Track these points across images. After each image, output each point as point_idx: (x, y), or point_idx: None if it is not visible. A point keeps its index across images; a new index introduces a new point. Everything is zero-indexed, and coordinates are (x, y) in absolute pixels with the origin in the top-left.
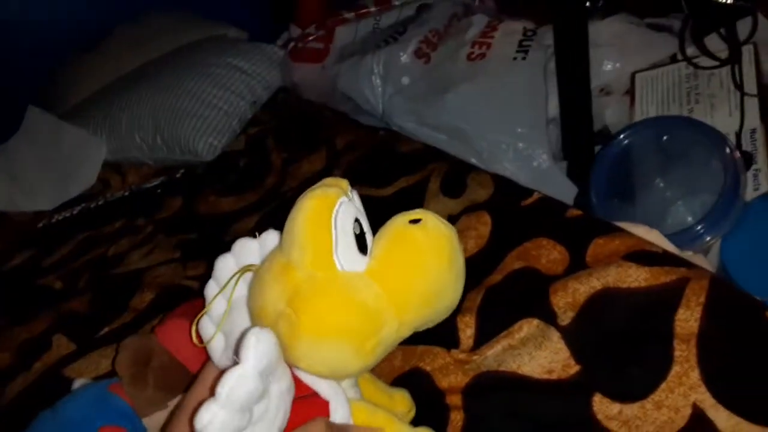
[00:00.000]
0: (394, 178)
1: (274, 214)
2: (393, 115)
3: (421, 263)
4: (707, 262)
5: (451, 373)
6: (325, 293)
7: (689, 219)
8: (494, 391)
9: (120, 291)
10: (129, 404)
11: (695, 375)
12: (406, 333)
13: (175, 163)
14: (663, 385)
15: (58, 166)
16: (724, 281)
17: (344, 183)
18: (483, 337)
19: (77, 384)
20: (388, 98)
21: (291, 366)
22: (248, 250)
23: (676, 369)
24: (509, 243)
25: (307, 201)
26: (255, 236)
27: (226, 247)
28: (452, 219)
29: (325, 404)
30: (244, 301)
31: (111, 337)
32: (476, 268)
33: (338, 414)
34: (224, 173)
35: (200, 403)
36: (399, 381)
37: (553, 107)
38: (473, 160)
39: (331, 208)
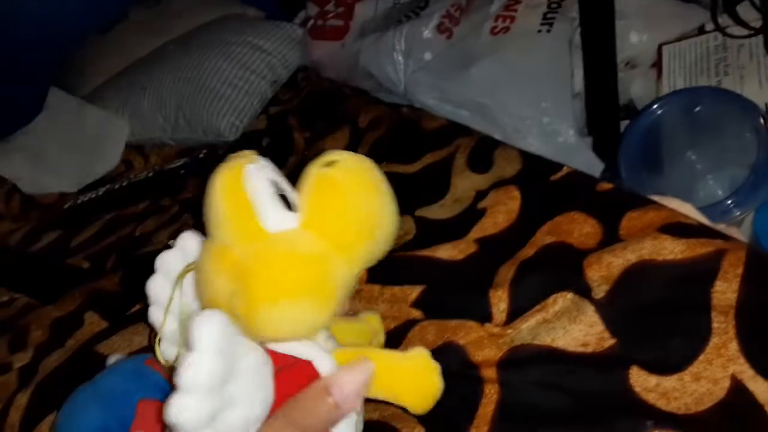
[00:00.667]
0: (419, 154)
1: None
2: (415, 91)
3: (348, 199)
4: (741, 235)
5: (485, 346)
6: (267, 258)
7: (719, 193)
8: (529, 363)
9: (149, 269)
10: (165, 378)
11: (734, 346)
12: (360, 268)
13: (197, 143)
14: (701, 357)
15: (81, 147)
16: (761, 252)
17: (250, 154)
18: (516, 312)
19: (112, 360)
20: (411, 74)
21: (260, 341)
22: (170, 262)
23: (714, 341)
24: (540, 217)
25: (214, 179)
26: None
27: None
28: (480, 194)
29: (308, 365)
30: (189, 309)
31: (142, 315)
32: (507, 242)
33: (324, 368)
34: None
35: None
36: (432, 354)
37: (579, 81)
38: (497, 136)
39: (239, 177)
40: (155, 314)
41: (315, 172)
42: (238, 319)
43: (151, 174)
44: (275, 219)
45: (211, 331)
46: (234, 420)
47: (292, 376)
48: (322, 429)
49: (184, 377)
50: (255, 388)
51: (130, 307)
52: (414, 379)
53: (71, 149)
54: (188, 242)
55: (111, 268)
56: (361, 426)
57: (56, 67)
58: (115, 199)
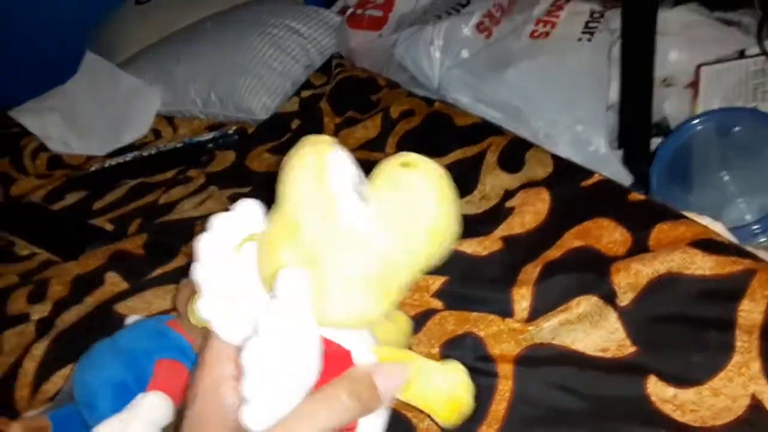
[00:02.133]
0: (450, 148)
1: None
2: (449, 88)
3: (422, 204)
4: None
5: (504, 341)
6: (341, 247)
7: (748, 217)
8: (546, 364)
9: (173, 236)
10: (187, 340)
11: (756, 366)
12: (418, 274)
13: (227, 119)
14: (722, 374)
15: (112, 112)
16: None
17: (327, 139)
18: (538, 310)
19: (130, 320)
20: (446, 71)
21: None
22: (226, 224)
23: (736, 359)
24: (568, 221)
25: (297, 159)
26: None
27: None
28: (509, 194)
29: (347, 354)
30: (241, 275)
31: (164, 279)
32: (533, 243)
33: (362, 359)
34: (276, 133)
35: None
36: (450, 344)
37: (614, 93)
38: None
39: (324, 163)
40: (200, 272)
41: (393, 171)
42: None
43: (179, 145)
44: (351, 211)
45: (299, 291)
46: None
47: (330, 361)
48: (354, 414)
49: (269, 328)
50: (314, 359)
51: (151, 271)
52: (448, 392)
53: (102, 114)
54: (249, 209)
55: (134, 233)
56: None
57: (94, 30)
58: (142, 167)
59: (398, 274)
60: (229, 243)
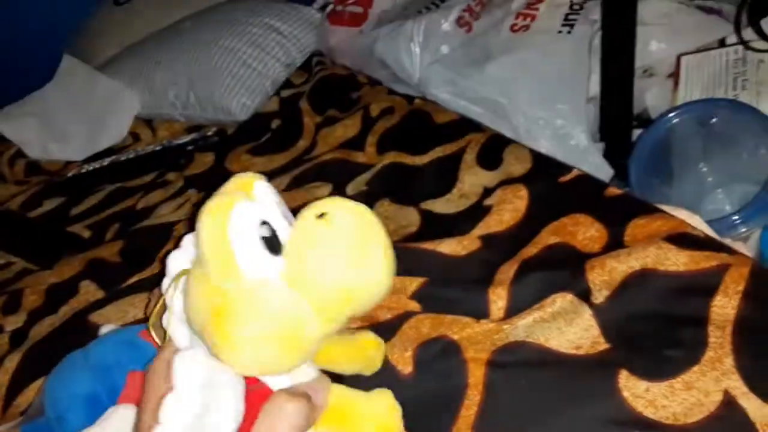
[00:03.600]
0: (429, 146)
1: (304, 177)
2: (429, 84)
3: (328, 261)
4: (747, 251)
5: (478, 342)
6: (236, 307)
7: (728, 208)
8: (519, 364)
9: (149, 242)
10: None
11: (729, 362)
12: (333, 328)
13: (207, 121)
14: (695, 368)
15: (90, 116)
16: (765, 270)
17: (251, 180)
18: (514, 309)
19: (104, 330)
20: (426, 67)
21: None
22: (175, 260)
23: (709, 354)
24: (546, 218)
25: (203, 214)
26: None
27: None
28: (488, 191)
29: (269, 392)
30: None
31: (139, 287)
32: (511, 241)
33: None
34: (256, 134)
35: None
36: (424, 347)
37: (594, 85)
38: (509, 135)
39: (225, 220)
40: (165, 286)
41: (307, 223)
42: (211, 345)
43: (158, 148)
44: (255, 265)
45: (191, 374)
46: None
47: (255, 399)
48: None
49: (165, 414)
50: (228, 412)
51: (127, 279)
52: (375, 419)
53: (80, 118)
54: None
55: (112, 239)
56: None
57: (72, 34)
58: (120, 171)
59: (307, 330)
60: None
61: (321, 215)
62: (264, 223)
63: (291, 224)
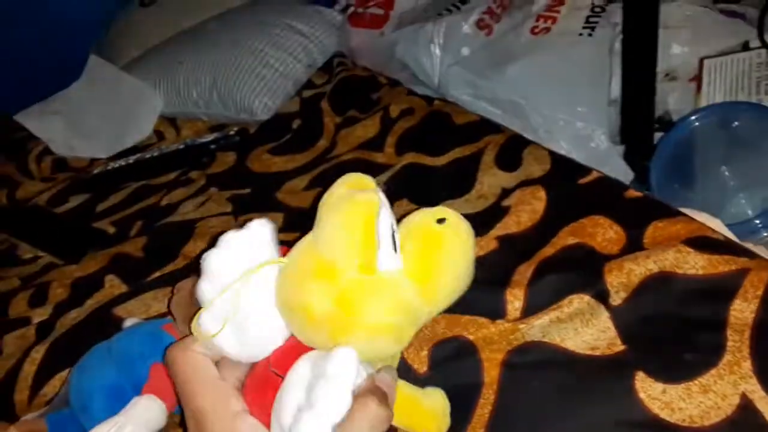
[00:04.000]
0: (448, 148)
1: (324, 176)
2: (449, 86)
3: (451, 262)
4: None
5: (494, 342)
6: (375, 295)
7: (749, 212)
8: (534, 364)
9: (172, 238)
10: None
11: (747, 366)
12: (435, 315)
13: (229, 120)
14: (712, 371)
15: (115, 115)
16: None
17: (370, 181)
18: (531, 309)
19: (128, 323)
20: (446, 69)
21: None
22: (240, 243)
23: (727, 357)
24: (564, 219)
25: (351, 206)
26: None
27: (278, 205)
28: (506, 192)
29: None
30: (249, 293)
31: (162, 282)
32: (529, 242)
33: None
34: (277, 134)
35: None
36: (439, 346)
37: (616, 88)
38: (529, 137)
39: (375, 214)
40: (205, 288)
41: (426, 226)
42: (324, 335)
43: (181, 147)
44: (385, 260)
45: (350, 372)
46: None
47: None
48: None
49: (325, 405)
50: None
51: (150, 274)
52: (436, 417)
53: (106, 116)
54: (259, 231)
55: (136, 235)
56: None
57: (98, 34)
58: (145, 169)
59: (417, 321)
60: (239, 263)
61: (441, 221)
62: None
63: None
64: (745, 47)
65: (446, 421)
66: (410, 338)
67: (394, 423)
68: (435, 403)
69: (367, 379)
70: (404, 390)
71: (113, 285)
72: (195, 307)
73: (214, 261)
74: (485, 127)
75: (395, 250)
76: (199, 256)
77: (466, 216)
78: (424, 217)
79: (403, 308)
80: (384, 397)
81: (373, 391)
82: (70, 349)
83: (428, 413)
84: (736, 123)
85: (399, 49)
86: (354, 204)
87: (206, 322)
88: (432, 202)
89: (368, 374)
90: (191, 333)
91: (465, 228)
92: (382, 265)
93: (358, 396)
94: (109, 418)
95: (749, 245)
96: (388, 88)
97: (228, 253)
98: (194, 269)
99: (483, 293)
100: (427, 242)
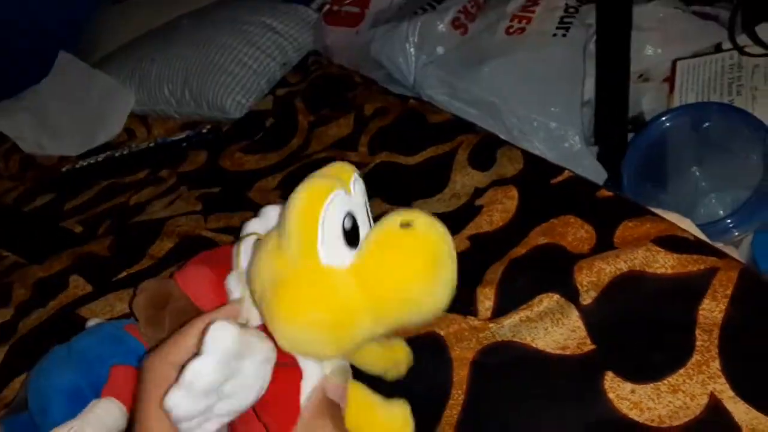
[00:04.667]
0: (422, 147)
1: (296, 175)
2: (424, 85)
3: (402, 270)
4: (739, 255)
5: (465, 339)
6: (302, 285)
7: (720, 212)
8: (504, 363)
9: (140, 238)
10: (143, 345)
11: (715, 365)
12: (382, 331)
13: (202, 118)
14: (681, 371)
15: (85, 112)
16: (754, 274)
17: (349, 172)
18: (502, 309)
19: (91, 323)
20: (421, 67)
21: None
22: (273, 216)
23: (696, 357)
24: (535, 218)
25: (301, 191)
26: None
27: (249, 204)
28: (479, 192)
29: (300, 372)
30: None
31: (128, 281)
32: (500, 241)
33: (309, 383)
34: (250, 132)
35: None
36: (411, 342)
37: (589, 89)
38: (503, 137)
39: (322, 202)
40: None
41: (389, 224)
42: (263, 313)
43: (152, 145)
44: (332, 253)
45: (221, 339)
46: (225, 410)
47: (282, 376)
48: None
49: (186, 377)
50: (254, 382)
51: (116, 273)
52: (387, 427)
53: (75, 114)
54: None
55: (103, 234)
56: None
57: (68, 30)
58: (114, 167)
59: (357, 328)
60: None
61: (406, 224)
62: (349, 216)
63: (370, 225)
64: (718, 49)
65: None
66: (346, 345)
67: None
68: (393, 414)
69: (316, 391)
70: (359, 396)
71: (77, 285)
72: (158, 308)
73: (246, 226)
74: (459, 126)
75: (355, 246)
76: (166, 256)
77: (439, 215)
78: (389, 216)
79: (335, 305)
80: (333, 411)
81: (322, 412)
82: (31, 352)
83: (383, 424)
84: (708, 124)
85: (374, 47)
86: (303, 189)
87: (231, 281)
88: (405, 201)
89: (320, 380)
90: (153, 335)
91: (431, 236)
92: (327, 258)
93: (309, 418)
94: (66, 421)
95: (720, 245)
96: (363, 87)
97: (258, 220)
98: (160, 270)
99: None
100: (382, 243)
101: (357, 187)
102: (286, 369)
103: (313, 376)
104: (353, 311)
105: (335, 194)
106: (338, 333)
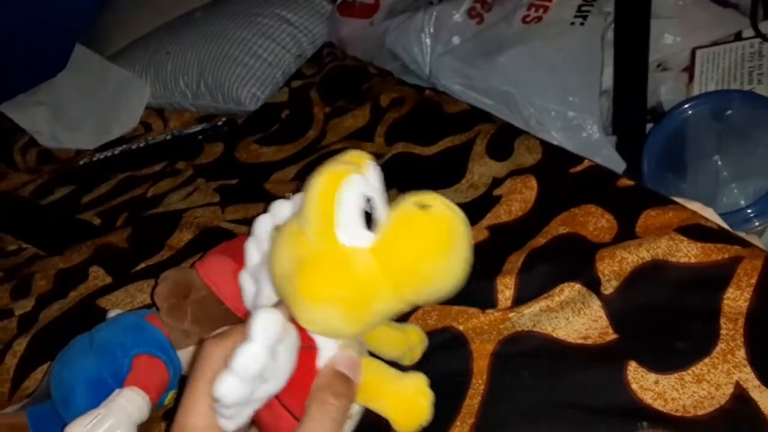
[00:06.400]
0: (439, 137)
1: (313, 166)
2: (440, 75)
3: (421, 246)
4: (761, 244)
5: (484, 332)
6: (322, 264)
7: (742, 202)
8: (524, 354)
9: (158, 229)
10: (165, 335)
11: (741, 354)
12: (403, 308)
13: (217, 110)
14: (706, 360)
15: (102, 106)
16: None
17: (364, 159)
18: (521, 299)
19: (112, 314)
20: (437, 58)
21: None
22: (283, 210)
23: (721, 346)
24: (555, 208)
25: (318, 175)
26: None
27: (266, 195)
28: (497, 182)
29: (316, 352)
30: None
31: (147, 272)
32: (519, 231)
33: (323, 359)
34: (265, 124)
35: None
36: (430, 338)
37: (608, 78)
38: (520, 127)
39: (339, 184)
40: (249, 244)
41: (407, 208)
42: (285, 298)
43: (168, 137)
44: (350, 234)
45: (270, 325)
46: (264, 393)
47: (301, 357)
48: (347, 406)
49: (238, 363)
50: (285, 366)
51: (135, 265)
52: (402, 399)
53: (92, 107)
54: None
55: (121, 226)
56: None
57: (84, 24)
58: (131, 160)
59: (376, 305)
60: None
61: (424, 206)
62: (367, 199)
63: (387, 208)
64: (738, 37)
65: (421, 407)
66: (366, 321)
67: (360, 403)
68: (409, 386)
69: (327, 364)
70: (373, 368)
71: (97, 276)
72: (180, 297)
73: (257, 222)
74: (476, 116)
75: (370, 227)
76: (184, 247)
77: (458, 206)
78: (406, 198)
79: (356, 282)
80: (343, 382)
81: (329, 384)
82: (52, 342)
83: (399, 393)
84: (729, 112)
85: (389, 38)
86: (320, 174)
87: (243, 276)
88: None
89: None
90: (175, 325)
91: (447, 216)
92: (346, 240)
93: (315, 392)
94: (89, 410)
95: (742, 234)
96: (378, 78)
97: (269, 216)
98: (179, 261)
99: (473, 283)
100: (399, 223)
101: (373, 172)
102: (304, 351)
103: (327, 357)
104: (373, 287)
105: (352, 177)
106: (360, 308)
